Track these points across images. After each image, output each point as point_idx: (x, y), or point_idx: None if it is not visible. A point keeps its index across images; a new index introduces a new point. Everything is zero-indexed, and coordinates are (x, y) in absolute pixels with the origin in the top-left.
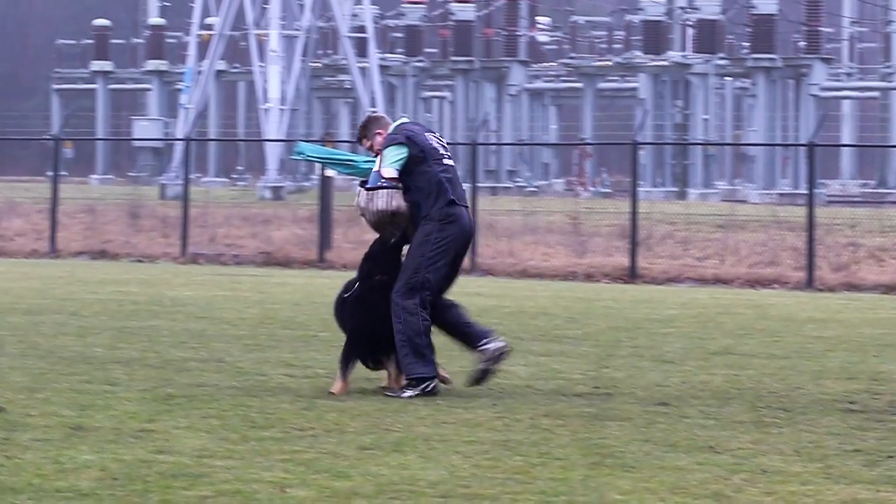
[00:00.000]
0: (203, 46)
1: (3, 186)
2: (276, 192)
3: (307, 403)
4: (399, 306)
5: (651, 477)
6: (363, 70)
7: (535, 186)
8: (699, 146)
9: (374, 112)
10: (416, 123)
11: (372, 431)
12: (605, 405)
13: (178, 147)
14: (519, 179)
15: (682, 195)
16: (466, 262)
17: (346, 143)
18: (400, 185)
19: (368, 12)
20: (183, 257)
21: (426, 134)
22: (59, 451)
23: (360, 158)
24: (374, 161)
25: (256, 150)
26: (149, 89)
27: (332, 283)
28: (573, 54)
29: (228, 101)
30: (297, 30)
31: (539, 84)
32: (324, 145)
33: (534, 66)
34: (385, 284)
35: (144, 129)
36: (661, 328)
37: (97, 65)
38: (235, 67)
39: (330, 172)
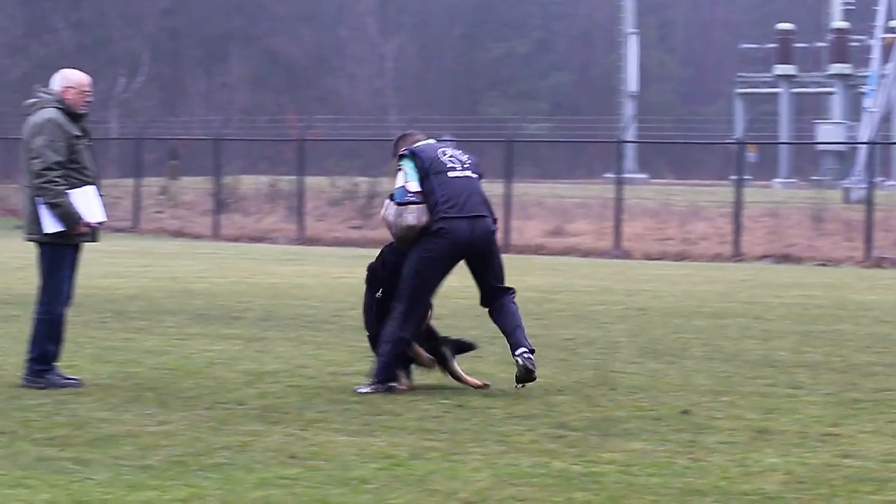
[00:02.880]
0: (886, 49)
1: (687, 190)
2: None
3: None
4: (394, 309)
5: None
6: None
7: None
8: None
9: (408, 131)
10: (432, 144)
11: None
12: None
13: (862, 151)
14: None
15: None
16: None
17: None
18: (424, 197)
19: None
20: (867, 261)
21: (439, 150)
22: (744, 453)
23: None
24: None
25: None
26: (832, 93)
27: None
28: None
29: None
30: None
31: None
32: None
33: None
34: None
35: (828, 132)
36: None
37: (780, 69)
38: None
39: None
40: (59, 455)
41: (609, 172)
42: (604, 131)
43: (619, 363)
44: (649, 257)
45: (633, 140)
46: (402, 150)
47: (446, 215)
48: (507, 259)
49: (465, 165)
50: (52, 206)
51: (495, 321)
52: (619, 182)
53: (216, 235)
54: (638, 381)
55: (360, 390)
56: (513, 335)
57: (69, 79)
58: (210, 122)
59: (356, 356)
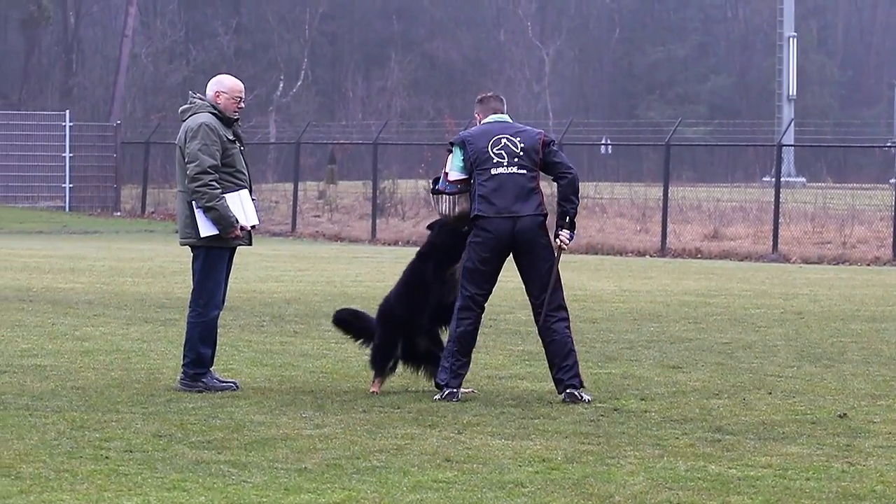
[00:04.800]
0: None
1: (846, 193)
2: None
3: None
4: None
5: None
6: None
7: None
8: None
9: (490, 94)
10: (498, 122)
11: None
12: None
13: None
14: None
15: None
16: None
17: None
18: (464, 186)
19: None
20: None
21: (498, 137)
22: None
23: None
24: None
25: None
26: None
27: None
28: None
29: None
30: None
31: None
32: None
33: None
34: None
35: None
36: None
37: None
38: None
39: None
40: (215, 458)
41: (767, 176)
42: (762, 135)
43: (776, 367)
44: (807, 261)
45: (791, 144)
46: (458, 137)
47: (480, 213)
48: (663, 263)
49: (515, 159)
50: (208, 210)
51: (543, 345)
52: (778, 186)
53: (373, 239)
54: (795, 384)
55: (435, 397)
56: (558, 370)
57: (222, 84)
58: (368, 126)
59: (512, 359)
